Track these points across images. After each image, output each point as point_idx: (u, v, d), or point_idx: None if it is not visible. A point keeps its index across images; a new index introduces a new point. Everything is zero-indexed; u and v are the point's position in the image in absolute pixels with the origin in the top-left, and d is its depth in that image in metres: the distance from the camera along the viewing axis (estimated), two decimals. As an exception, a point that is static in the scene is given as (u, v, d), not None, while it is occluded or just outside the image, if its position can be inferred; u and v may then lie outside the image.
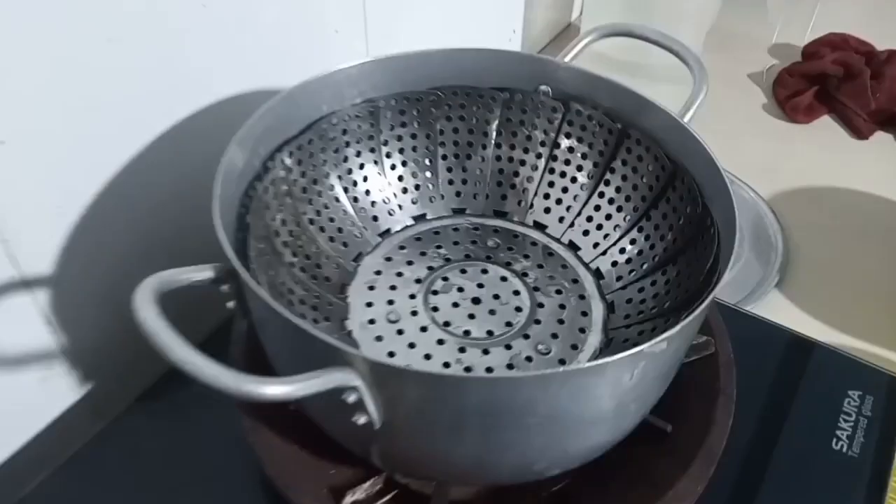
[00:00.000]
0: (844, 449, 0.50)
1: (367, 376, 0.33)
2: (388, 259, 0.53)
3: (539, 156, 0.57)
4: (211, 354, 0.31)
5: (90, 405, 0.55)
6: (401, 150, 0.57)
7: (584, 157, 0.56)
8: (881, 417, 0.52)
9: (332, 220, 0.53)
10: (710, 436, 0.46)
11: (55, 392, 0.53)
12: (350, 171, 0.55)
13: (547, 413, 0.35)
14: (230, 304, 0.40)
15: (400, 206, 0.57)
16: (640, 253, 0.53)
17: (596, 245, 0.55)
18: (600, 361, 0.33)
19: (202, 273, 0.37)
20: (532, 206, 0.57)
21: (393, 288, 0.51)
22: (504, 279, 0.52)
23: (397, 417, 0.35)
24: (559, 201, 0.57)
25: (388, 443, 0.38)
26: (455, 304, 0.50)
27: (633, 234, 0.53)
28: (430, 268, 0.52)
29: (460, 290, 0.51)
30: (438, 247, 0.54)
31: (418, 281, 0.51)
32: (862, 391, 0.54)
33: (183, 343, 0.31)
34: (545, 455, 0.39)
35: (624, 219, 0.54)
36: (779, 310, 0.82)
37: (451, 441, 0.37)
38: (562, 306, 0.50)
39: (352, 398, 0.33)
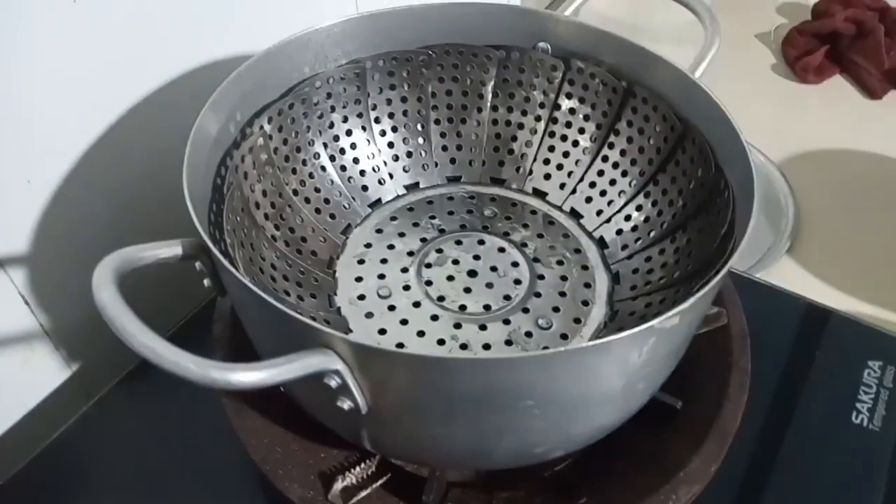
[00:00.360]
0: (865, 422, 0.48)
1: (349, 359, 0.31)
2: (379, 231, 0.51)
3: (538, 118, 0.55)
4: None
5: (75, 386, 0.54)
6: (390, 115, 0.54)
7: (586, 118, 0.53)
8: (904, 389, 0.50)
9: (317, 190, 0.51)
10: (723, 412, 0.44)
11: (39, 373, 0.52)
12: (336, 138, 0.52)
13: (548, 395, 0.33)
14: (206, 282, 0.37)
15: (391, 175, 0.54)
16: (647, 220, 0.50)
17: (600, 212, 0.52)
18: (606, 339, 0.30)
19: (170, 249, 0.35)
20: (531, 172, 0.55)
21: (384, 261, 0.49)
22: (502, 250, 0.50)
23: (385, 402, 0.33)
24: (560, 167, 0.54)
25: (377, 428, 0.36)
26: (450, 278, 0.48)
27: (640, 199, 0.51)
28: (423, 239, 0.50)
29: (455, 262, 0.49)
30: (432, 217, 0.52)
31: (411, 253, 0.49)
32: (882, 361, 0.52)
33: (142, 327, 0.29)
34: (546, 439, 0.37)
35: (629, 184, 0.51)
36: (791, 277, 0.80)
37: (445, 426, 0.35)
38: (563, 278, 0.48)
39: (334, 382, 0.31)
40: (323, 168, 0.51)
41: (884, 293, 0.77)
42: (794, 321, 0.55)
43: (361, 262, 0.49)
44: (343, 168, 0.52)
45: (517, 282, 0.47)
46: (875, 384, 0.50)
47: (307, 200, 0.50)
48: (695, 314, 0.37)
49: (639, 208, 0.51)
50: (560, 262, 0.49)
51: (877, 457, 0.46)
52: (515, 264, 0.49)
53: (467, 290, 0.47)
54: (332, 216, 0.51)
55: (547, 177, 0.54)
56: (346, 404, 0.32)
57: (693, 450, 0.42)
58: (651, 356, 0.34)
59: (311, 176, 0.50)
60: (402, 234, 0.50)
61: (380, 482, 0.42)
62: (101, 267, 0.31)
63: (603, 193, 0.52)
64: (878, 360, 0.52)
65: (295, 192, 0.49)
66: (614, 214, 0.52)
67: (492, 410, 0.33)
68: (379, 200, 0.53)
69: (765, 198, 0.90)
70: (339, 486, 0.40)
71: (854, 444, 0.47)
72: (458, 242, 0.50)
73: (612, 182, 0.52)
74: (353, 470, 0.41)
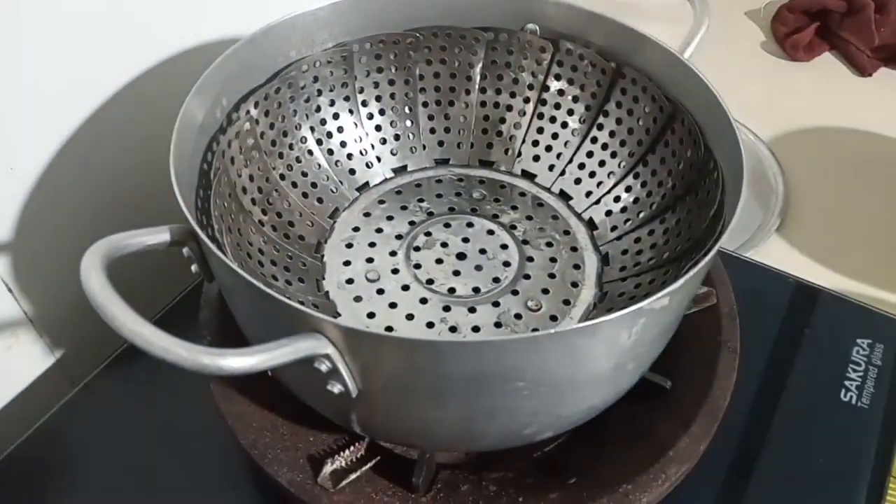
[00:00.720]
0: (854, 400, 0.48)
1: (339, 343, 0.31)
2: (367, 214, 0.51)
3: (527, 100, 0.54)
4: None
5: (60, 372, 0.54)
6: (378, 98, 0.54)
7: (575, 99, 0.53)
8: (892, 366, 0.50)
9: (304, 174, 0.50)
10: (713, 392, 0.44)
11: (22, 360, 0.51)
12: (323, 122, 0.52)
13: (538, 377, 0.33)
14: (193, 268, 0.37)
15: (378, 158, 0.54)
16: (636, 201, 0.50)
17: (589, 194, 0.52)
18: (596, 321, 0.30)
19: (157, 235, 0.34)
20: (520, 154, 0.54)
21: (372, 245, 0.48)
22: (491, 232, 0.49)
23: (374, 386, 0.33)
24: (549, 148, 0.54)
25: (367, 411, 0.36)
26: (439, 261, 0.47)
27: (629, 180, 0.51)
28: (411, 223, 0.50)
29: (444, 245, 0.48)
30: (420, 200, 0.52)
31: (399, 237, 0.49)
32: (871, 339, 0.52)
33: (131, 313, 0.28)
34: (536, 420, 0.37)
35: (619, 165, 0.51)
36: (780, 255, 0.80)
37: (434, 409, 0.35)
38: (553, 259, 0.48)
39: (324, 367, 0.31)
40: (310, 152, 0.51)
41: (873, 271, 0.78)
42: (783, 300, 0.55)
43: (349, 245, 0.48)
44: (330, 152, 0.52)
45: (506, 264, 0.47)
46: (864, 362, 0.50)
47: (294, 185, 0.49)
48: (684, 295, 0.37)
49: (628, 189, 0.51)
50: (549, 244, 0.49)
51: (865, 434, 0.47)
52: (504, 246, 0.48)
53: (456, 273, 0.46)
54: (320, 200, 0.50)
55: (536, 158, 0.54)
56: (336, 388, 0.32)
57: (682, 429, 0.42)
58: (641, 337, 0.34)
59: (297, 160, 0.50)
60: (390, 218, 0.50)
61: (369, 465, 0.41)
62: (89, 254, 0.31)
63: (592, 175, 0.52)
64: (866, 338, 0.52)
65: (282, 177, 0.49)
66: (603, 196, 0.51)
67: (482, 393, 0.33)
68: (367, 184, 0.53)
69: (754, 176, 0.90)
70: (328, 469, 0.40)
71: (843, 421, 0.47)
72: (447, 225, 0.50)
73: (602, 163, 0.52)
74: (342, 453, 0.41)
